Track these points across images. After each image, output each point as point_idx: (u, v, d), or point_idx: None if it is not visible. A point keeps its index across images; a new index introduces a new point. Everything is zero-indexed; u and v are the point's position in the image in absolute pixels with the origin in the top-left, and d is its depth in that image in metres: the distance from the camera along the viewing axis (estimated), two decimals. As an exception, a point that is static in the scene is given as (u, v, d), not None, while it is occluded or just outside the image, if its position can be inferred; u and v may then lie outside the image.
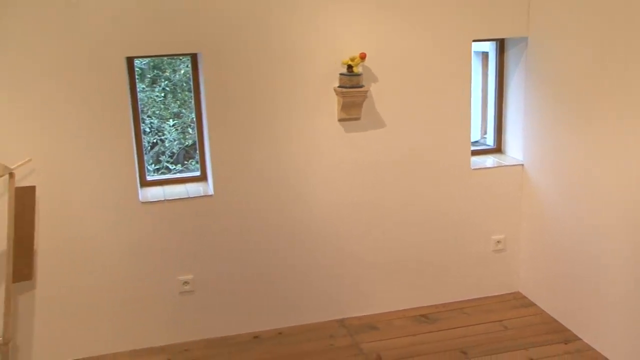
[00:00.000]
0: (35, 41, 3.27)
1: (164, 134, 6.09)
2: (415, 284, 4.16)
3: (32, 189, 3.24)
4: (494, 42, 4.21)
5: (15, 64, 3.27)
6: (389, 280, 4.10)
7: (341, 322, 4.02)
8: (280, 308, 3.95)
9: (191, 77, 3.75)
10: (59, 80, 3.34)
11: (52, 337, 3.63)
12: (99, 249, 3.60)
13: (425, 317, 4.06)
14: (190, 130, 6.17)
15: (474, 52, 4.14)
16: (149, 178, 3.80)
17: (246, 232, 3.78)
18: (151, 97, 6.04)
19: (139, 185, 3.64)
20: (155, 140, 5.95)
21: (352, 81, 3.62)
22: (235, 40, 3.51)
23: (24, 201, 3.20)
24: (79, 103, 3.39)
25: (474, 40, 3.90)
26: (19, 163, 3.27)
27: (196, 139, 3.84)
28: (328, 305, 4.03)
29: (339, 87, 3.66)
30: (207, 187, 3.77)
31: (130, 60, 3.55)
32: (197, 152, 3.84)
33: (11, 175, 3.14)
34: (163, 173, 5.72)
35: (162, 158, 6.00)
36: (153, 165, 5.85)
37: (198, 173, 3.90)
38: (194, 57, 3.70)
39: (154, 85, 6.13)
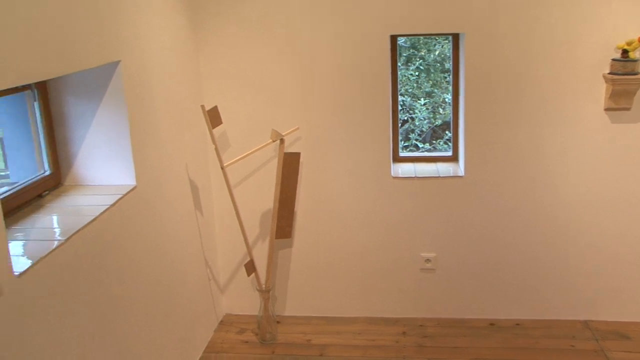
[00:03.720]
0: (311, 17, 3.52)
1: (414, 113, 6.20)
2: (676, 295, 3.76)
3: (297, 155, 3.52)
4: None
5: (293, 38, 3.56)
6: (645, 286, 3.76)
7: (585, 324, 3.78)
8: (519, 298, 3.83)
9: (451, 57, 3.75)
10: (327, 54, 3.57)
11: (301, 291, 3.95)
12: (350, 216, 3.80)
13: (686, 333, 3.66)
14: (440, 110, 6.19)
15: None
16: (401, 154, 3.91)
17: (493, 216, 3.71)
18: (405, 76, 6.17)
19: (391, 160, 3.76)
20: (405, 118, 6.08)
21: (626, 68, 3.34)
22: (499, 21, 3.42)
23: (290, 166, 3.49)
24: (343, 78, 3.59)
25: None
26: (289, 130, 3.58)
27: (450, 119, 3.85)
28: (573, 303, 3.81)
29: (609, 73, 3.40)
30: (457, 168, 3.77)
31: (393, 39, 3.65)
32: (451, 132, 3.85)
33: (282, 141, 3.44)
34: (411, 150, 5.83)
35: (411, 136, 6.12)
36: (402, 142, 5.98)
37: (449, 153, 3.91)
38: (455, 37, 3.70)
39: (409, 64, 6.24)
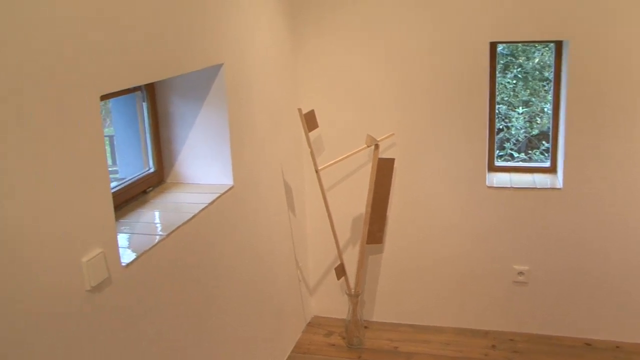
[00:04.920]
0: (409, 22, 3.51)
1: (510, 121, 6.06)
2: None
3: (391, 160, 3.51)
4: None
5: (391, 43, 3.56)
6: None
7: (691, 349, 3.57)
8: (620, 318, 3.65)
9: (552, 64, 3.64)
10: (425, 61, 3.54)
11: (390, 297, 3.94)
12: (442, 224, 3.76)
13: None
14: (538, 120, 6.02)
15: None
16: (496, 164, 3.82)
17: (592, 231, 3.57)
18: (502, 83, 6.04)
19: (487, 169, 3.68)
20: (501, 127, 5.95)
21: None
22: (608, 28, 3.29)
23: (384, 171, 3.49)
24: (440, 84, 3.56)
25: None
26: (384, 136, 3.58)
27: (548, 129, 3.74)
28: (677, 327, 3.61)
29: None
30: (555, 180, 3.65)
31: (493, 46, 3.59)
32: (549, 142, 3.73)
33: (376, 146, 3.45)
34: (506, 160, 5.70)
35: (506, 145, 5.99)
36: (497, 151, 5.87)
37: (547, 164, 3.79)
38: (558, 45, 3.58)
39: (506, 71, 6.11)
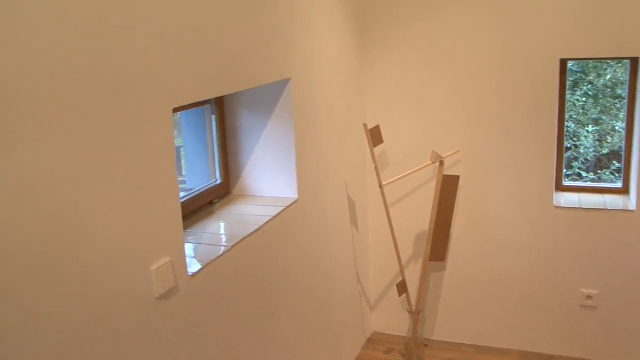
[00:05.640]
0: (477, 39, 3.47)
1: (579, 140, 5.89)
2: None
3: (456, 178, 3.47)
4: None
5: (458, 60, 3.53)
6: None
7: None
8: (695, 348, 3.50)
9: (626, 82, 3.53)
10: (493, 77, 3.50)
11: (452, 316, 3.88)
12: (507, 243, 3.68)
13: None
14: (608, 139, 5.83)
15: None
16: (564, 183, 3.72)
17: (667, 256, 3.43)
18: (571, 101, 5.88)
19: (554, 188, 3.59)
20: (569, 145, 5.79)
21: None
22: (687, 46, 3.18)
23: (448, 188, 3.45)
24: (508, 101, 3.50)
25: None
26: (449, 153, 3.54)
27: (621, 148, 3.62)
28: None
29: None
30: (628, 201, 3.52)
31: (563, 63, 3.50)
32: (621, 162, 3.61)
33: (441, 163, 3.41)
34: (573, 179, 5.54)
35: (574, 164, 5.82)
36: (564, 170, 5.72)
37: (619, 185, 3.67)
38: (634, 62, 3.47)
39: (575, 88, 5.95)
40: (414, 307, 3.66)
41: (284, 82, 2.72)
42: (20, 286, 1.38)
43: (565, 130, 3.44)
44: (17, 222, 1.37)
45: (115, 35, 1.65)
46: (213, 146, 2.77)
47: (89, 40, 1.55)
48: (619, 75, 5.63)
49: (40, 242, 1.43)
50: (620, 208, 3.47)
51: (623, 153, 3.62)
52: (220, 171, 2.81)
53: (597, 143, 5.93)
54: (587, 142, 5.84)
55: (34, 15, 1.40)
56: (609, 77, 6.08)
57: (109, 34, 1.63)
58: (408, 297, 3.62)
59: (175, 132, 3.02)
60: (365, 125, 3.27)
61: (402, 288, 3.56)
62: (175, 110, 2.28)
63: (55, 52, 1.45)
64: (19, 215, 1.37)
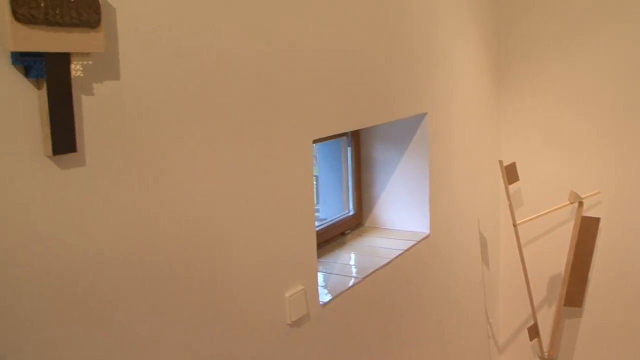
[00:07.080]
0: (620, 77, 3.31)
1: None
2: None
3: (596, 220, 3.30)
4: None
5: (598, 98, 3.38)
6: None
7: None
8: None
9: None
10: (635, 115, 3.31)
11: (586, 368, 3.66)
12: (651, 295, 3.44)
13: None
14: None
15: None
16: None
17: None
18: None
19: None
20: None
21: None
22: None
23: (588, 230, 3.29)
24: None
25: None
26: (589, 194, 3.38)
27: None
28: None
29: None
30: None
31: None
32: None
33: (580, 204, 3.26)
34: None
35: None
36: None
37: None
38: None
39: None
40: (546, 354, 3.49)
41: (421, 117, 2.74)
42: (170, 310, 1.47)
43: None
44: (170, 239, 1.47)
45: (277, 72, 1.74)
46: (347, 177, 2.82)
47: (261, 75, 1.65)
48: None
49: (184, 266, 1.52)
50: None
51: None
52: (353, 202, 2.85)
53: None
54: None
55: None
56: None
57: (265, 75, 1.72)
58: (540, 342, 3.46)
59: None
60: (500, 162, 3.20)
61: (534, 332, 3.41)
62: (315, 141, 2.35)
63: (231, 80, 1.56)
64: (170, 231, 1.47)
